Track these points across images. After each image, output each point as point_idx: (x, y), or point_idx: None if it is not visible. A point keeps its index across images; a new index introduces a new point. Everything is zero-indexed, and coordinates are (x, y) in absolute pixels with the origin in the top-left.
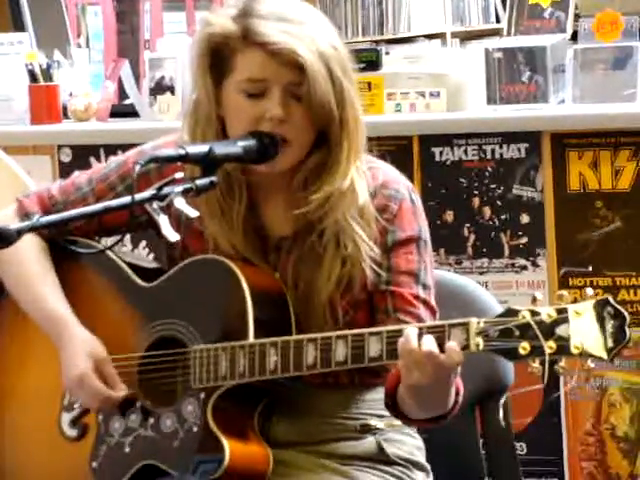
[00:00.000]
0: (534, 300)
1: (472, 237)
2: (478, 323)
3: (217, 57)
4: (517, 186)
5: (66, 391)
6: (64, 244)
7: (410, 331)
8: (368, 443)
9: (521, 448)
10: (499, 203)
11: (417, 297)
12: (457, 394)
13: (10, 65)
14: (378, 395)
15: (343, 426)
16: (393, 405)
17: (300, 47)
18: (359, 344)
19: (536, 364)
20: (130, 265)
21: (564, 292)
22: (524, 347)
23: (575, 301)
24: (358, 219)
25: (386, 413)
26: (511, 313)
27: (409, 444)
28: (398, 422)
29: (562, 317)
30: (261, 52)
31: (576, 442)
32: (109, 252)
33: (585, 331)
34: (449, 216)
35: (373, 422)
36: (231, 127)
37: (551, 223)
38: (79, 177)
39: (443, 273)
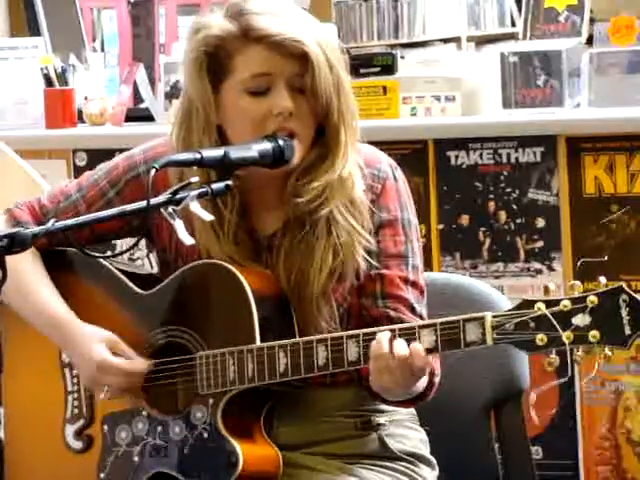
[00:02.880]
0: (547, 290)
1: (487, 241)
2: (494, 317)
3: (213, 61)
4: (532, 190)
5: (69, 396)
6: (79, 249)
7: (382, 336)
8: (371, 440)
9: (537, 452)
10: (514, 207)
11: (406, 280)
12: (433, 374)
13: (25, 69)
14: None
15: (344, 424)
16: (368, 389)
17: (303, 36)
18: (370, 343)
19: (553, 355)
20: (124, 273)
21: (576, 282)
22: (541, 339)
23: (589, 290)
24: (351, 208)
25: (387, 408)
26: (526, 305)
27: (413, 438)
28: (399, 416)
29: (578, 307)
30: (262, 47)
31: (592, 446)
32: (103, 261)
33: (601, 320)
34: (464, 220)
35: (374, 418)
36: (234, 131)
37: (567, 227)
38: (67, 185)
39: (458, 277)
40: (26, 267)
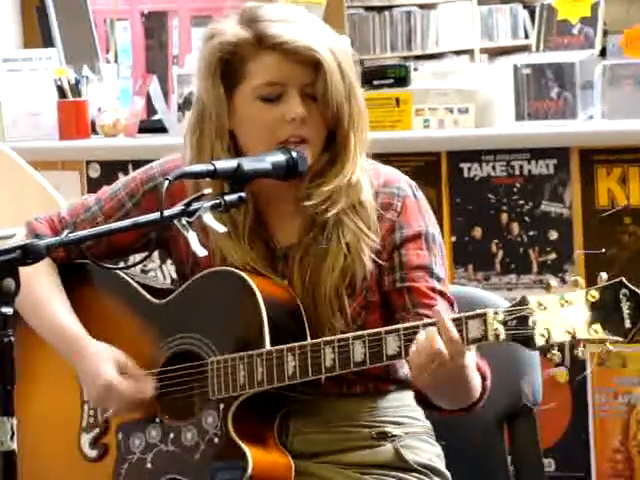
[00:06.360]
0: (548, 287)
1: (500, 253)
2: (495, 313)
3: (226, 67)
4: (545, 202)
5: (85, 406)
6: (93, 261)
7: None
8: (386, 450)
9: (549, 465)
10: (527, 219)
11: (433, 289)
12: (484, 379)
13: (39, 81)
14: (391, 402)
15: (359, 434)
16: (424, 400)
17: (315, 43)
18: (377, 343)
19: (555, 351)
20: (141, 285)
21: (578, 277)
22: (542, 334)
23: (589, 285)
24: (359, 211)
25: (402, 420)
26: (526, 302)
27: (428, 451)
28: (415, 429)
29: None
30: (276, 54)
31: (604, 459)
32: (119, 272)
33: (602, 314)
34: (477, 232)
35: (389, 429)
36: (247, 137)
37: (579, 239)
38: (87, 199)
39: (471, 289)
40: (40, 279)
